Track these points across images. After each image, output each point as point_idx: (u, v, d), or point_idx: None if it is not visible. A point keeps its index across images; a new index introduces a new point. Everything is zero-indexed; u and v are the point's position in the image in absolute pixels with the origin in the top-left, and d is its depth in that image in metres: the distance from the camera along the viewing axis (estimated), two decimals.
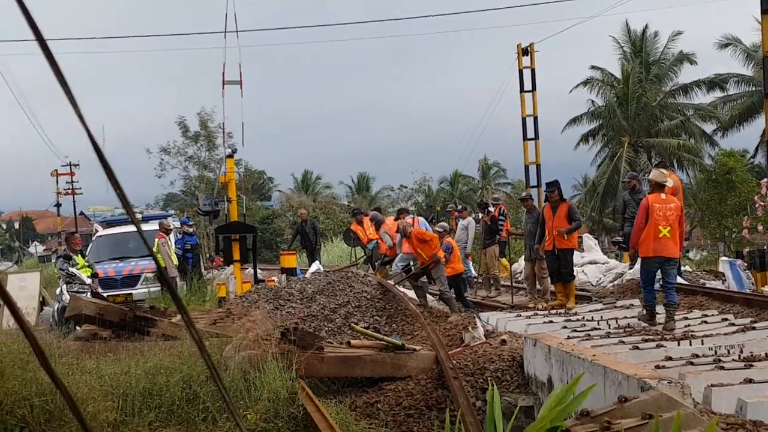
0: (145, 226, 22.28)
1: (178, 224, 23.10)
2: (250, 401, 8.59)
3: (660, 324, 10.67)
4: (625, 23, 47.47)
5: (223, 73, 20.28)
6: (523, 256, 17.16)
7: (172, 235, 21.36)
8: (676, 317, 10.80)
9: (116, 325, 12.18)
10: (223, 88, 20.29)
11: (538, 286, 14.50)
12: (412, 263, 16.15)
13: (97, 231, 24.33)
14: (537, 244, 13.55)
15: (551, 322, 11.47)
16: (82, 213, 37.93)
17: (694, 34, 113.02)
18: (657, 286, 11.46)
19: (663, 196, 11.03)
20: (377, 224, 19.02)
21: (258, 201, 59.71)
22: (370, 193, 68.25)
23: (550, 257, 12.96)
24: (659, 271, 11.01)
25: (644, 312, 11.14)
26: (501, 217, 18.66)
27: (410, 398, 9.52)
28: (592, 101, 47.66)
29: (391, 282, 16.41)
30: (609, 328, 10.64)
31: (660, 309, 11.06)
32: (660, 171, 11.58)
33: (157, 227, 20.32)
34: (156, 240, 19.36)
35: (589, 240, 20.63)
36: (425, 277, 14.92)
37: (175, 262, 19.99)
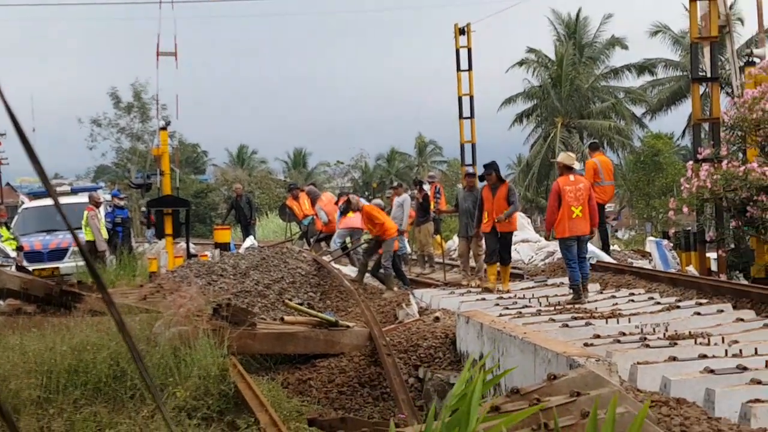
0: (74, 199, 21.85)
1: (108, 197, 22.65)
2: (180, 378, 8.48)
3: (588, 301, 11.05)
4: (557, 6, 48.10)
5: (158, 44, 19.93)
6: (457, 234, 17.23)
7: (102, 208, 20.94)
8: (603, 293, 11.66)
9: (41, 299, 11.93)
10: (158, 59, 19.95)
11: (472, 263, 14.60)
12: (348, 240, 16.15)
13: (23, 203, 23.75)
14: (476, 227, 13.52)
15: (484, 299, 11.57)
16: (8, 184, 36.93)
17: (626, 19, 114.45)
18: None
19: (572, 177, 11.42)
20: (313, 200, 18.95)
21: (192, 174, 58.86)
22: (306, 169, 67.88)
23: (491, 238, 12.98)
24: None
25: (571, 293, 11.32)
26: (437, 195, 18.76)
27: (343, 375, 9.55)
28: (528, 81, 48.14)
29: (328, 258, 16.39)
30: (540, 306, 10.78)
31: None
32: (567, 154, 12.04)
33: (87, 200, 19.90)
34: (85, 213, 18.98)
35: (522, 219, 20.85)
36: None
37: (105, 236, 19.62)
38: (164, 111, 38.29)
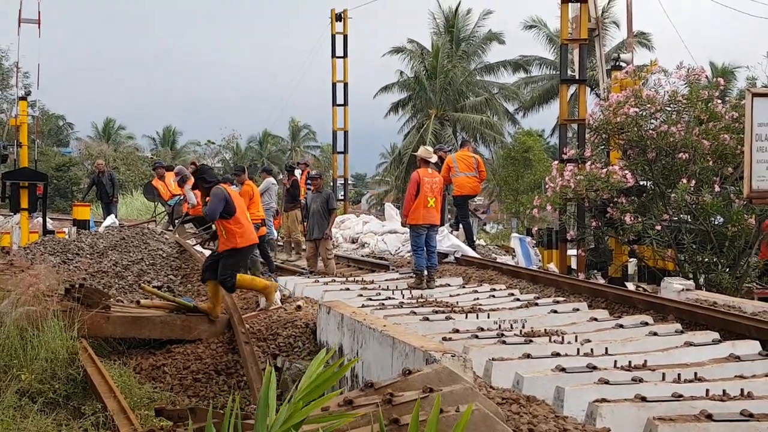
0: None
1: None
2: (25, 360, 8.15)
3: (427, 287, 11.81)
4: None
5: (20, 11, 19.15)
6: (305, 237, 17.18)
7: None
8: (465, 287, 11.97)
9: None
10: (20, 26, 19.14)
11: (321, 267, 14.57)
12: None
13: None
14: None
15: (348, 289, 11.50)
16: None
17: (505, 13, 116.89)
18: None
19: (429, 170, 12.39)
20: (182, 180, 18.43)
21: (55, 147, 56.54)
22: (176, 147, 66.31)
23: None
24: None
25: (413, 277, 12.23)
26: (308, 182, 18.60)
27: (199, 362, 9.31)
28: (401, 72, 48.31)
29: (192, 241, 16.00)
30: (403, 298, 10.80)
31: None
32: (426, 148, 13.08)
33: None
34: None
35: (390, 210, 20.96)
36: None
37: None
38: (26, 80, 36.66)
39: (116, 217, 20.14)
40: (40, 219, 19.07)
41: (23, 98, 19.56)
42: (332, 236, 14.84)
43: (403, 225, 12.89)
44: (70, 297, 9.36)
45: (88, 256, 14.02)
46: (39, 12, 19.22)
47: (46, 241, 15.10)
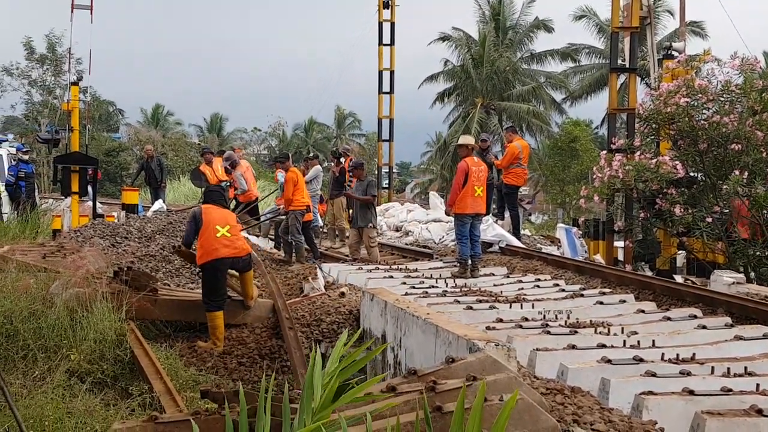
0: None
1: (14, 150, 21.89)
2: (75, 341, 8.27)
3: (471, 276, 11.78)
4: None
5: None
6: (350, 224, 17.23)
7: (5, 161, 20.25)
8: (510, 276, 11.90)
9: None
10: (72, 12, 19.36)
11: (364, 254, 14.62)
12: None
13: None
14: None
15: (391, 277, 11.51)
16: None
17: (550, 2, 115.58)
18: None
19: (475, 159, 12.34)
20: (232, 165, 18.57)
21: (105, 132, 57.25)
22: (222, 134, 66.82)
23: None
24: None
25: (457, 266, 12.19)
26: (349, 171, 18.61)
27: (243, 346, 9.39)
28: (446, 61, 48.12)
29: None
30: (446, 286, 10.77)
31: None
32: (466, 136, 13.23)
33: None
34: None
35: (435, 198, 20.91)
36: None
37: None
38: (78, 66, 37.19)
39: (164, 201, 20.35)
40: (91, 202, 19.34)
41: (75, 84, 19.79)
42: (376, 224, 14.80)
43: (448, 214, 12.82)
44: (118, 280, 9.50)
45: (136, 239, 14.19)
46: None
47: (96, 225, 15.32)
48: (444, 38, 47.62)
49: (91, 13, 19.35)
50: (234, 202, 17.90)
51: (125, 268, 9.80)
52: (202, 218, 9.68)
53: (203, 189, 20.10)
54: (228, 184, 18.40)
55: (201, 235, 9.65)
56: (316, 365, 3.62)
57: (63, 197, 20.18)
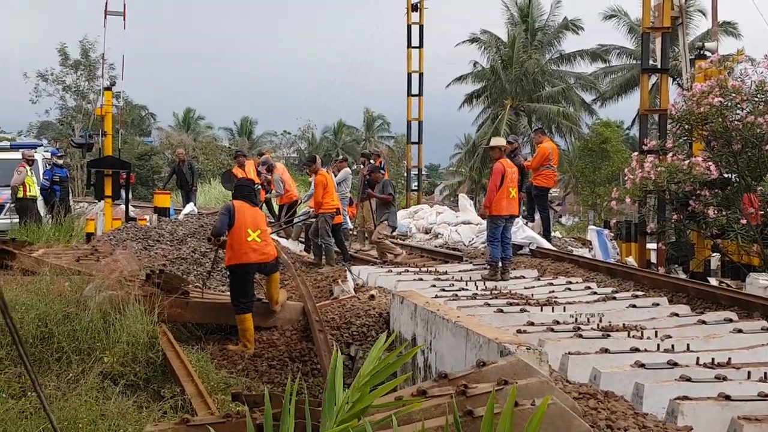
0: (12, 155, 21.44)
1: (49, 155, 22.17)
2: (108, 343, 8.35)
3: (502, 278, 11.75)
4: None
5: (106, 3, 19.67)
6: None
7: (40, 166, 20.51)
8: (540, 279, 11.80)
9: None
10: (105, 18, 19.64)
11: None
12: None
13: None
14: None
15: (421, 280, 11.47)
16: None
17: (581, 4, 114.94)
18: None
19: (508, 160, 12.38)
20: (269, 169, 18.64)
21: (137, 136, 57.84)
22: (252, 137, 67.23)
23: None
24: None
25: (488, 268, 12.13)
26: (381, 171, 18.61)
27: (274, 349, 9.42)
28: (475, 63, 48.10)
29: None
30: (477, 289, 10.71)
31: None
32: (497, 137, 13.16)
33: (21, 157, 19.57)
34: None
35: (464, 200, 20.82)
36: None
37: (34, 193, 19.21)
38: (112, 71, 37.60)
39: (195, 205, 20.50)
40: (124, 206, 19.53)
41: (108, 89, 20.07)
42: (392, 223, 15.04)
43: (483, 217, 12.70)
44: (150, 282, 9.57)
45: (168, 242, 14.30)
46: (124, 4, 19.70)
47: (129, 228, 15.47)
48: (473, 40, 47.57)
49: (124, 19, 19.63)
50: (264, 204, 18.01)
51: (157, 271, 9.88)
52: (235, 215, 9.67)
53: (233, 184, 20.26)
54: (259, 186, 18.48)
55: (232, 235, 9.65)
56: (338, 368, 3.60)
57: (96, 201, 20.39)
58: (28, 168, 19.08)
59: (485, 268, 12.33)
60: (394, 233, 15.96)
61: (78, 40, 49.60)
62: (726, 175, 13.90)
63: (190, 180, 22.03)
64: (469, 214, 19.38)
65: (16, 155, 20.70)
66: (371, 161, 18.36)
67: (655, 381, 5.61)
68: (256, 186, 18.85)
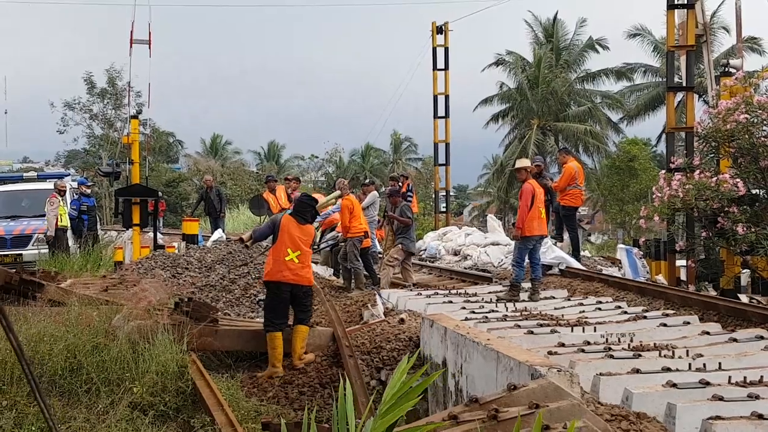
0: (41, 185, 21.74)
1: (76, 185, 22.43)
2: (137, 373, 8.34)
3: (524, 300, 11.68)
4: (535, 9, 48.27)
5: (131, 32, 19.86)
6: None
7: (68, 195, 20.76)
8: (571, 299, 11.75)
9: (1, 288, 11.64)
10: (131, 47, 19.84)
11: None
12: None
13: None
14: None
15: (451, 302, 11.43)
16: None
17: (605, 20, 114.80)
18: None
19: (535, 181, 12.44)
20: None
21: (165, 163, 58.40)
22: (280, 161, 67.62)
23: None
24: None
25: (509, 289, 11.99)
26: (408, 194, 18.62)
27: (304, 375, 9.40)
28: (502, 84, 48.22)
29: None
30: (506, 311, 10.66)
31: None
32: (523, 159, 13.10)
33: (53, 187, 19.79)
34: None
35: (492, 221, 20.78)
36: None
37: (65, 223, 19.43)
38: (138, 99, 38.08)
39: (223, 231, 20.61)
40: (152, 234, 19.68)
41: (135, 117, 20.26)
42: (408, 247, 15.14)
43: (516, 238, 12.46)
44: (179, 311, 9.59)
45: (196, 270, 14.37)
46: (150, 33, 19.92)
47: (157, 256, 15.56)
48: (499, 62, 47.75)
49: (150, 48, 19.83)
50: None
51: (186, 300, 9.91)
52: (279, 231, 9.83)
53: (295, 199, 20.36)
54: (288, 211, 18.52)
55: (273, 251, 9.87)
56: (346, 397, 3.59)
57: (125, 229, 20.58)
58: (59, 198, 19.32)
59: (505, 287, 12.38)
60: (412, 257, 15.94)
61: (104, 69, 50.35)
62: (754, 192, 13.76)
63: (218, 206, 22.15)
64: (497, 234, 19.33)
65: (45, 185, 20.99)
66: (400, 184, 18.38)
67: (687, 401, 5.56)
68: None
